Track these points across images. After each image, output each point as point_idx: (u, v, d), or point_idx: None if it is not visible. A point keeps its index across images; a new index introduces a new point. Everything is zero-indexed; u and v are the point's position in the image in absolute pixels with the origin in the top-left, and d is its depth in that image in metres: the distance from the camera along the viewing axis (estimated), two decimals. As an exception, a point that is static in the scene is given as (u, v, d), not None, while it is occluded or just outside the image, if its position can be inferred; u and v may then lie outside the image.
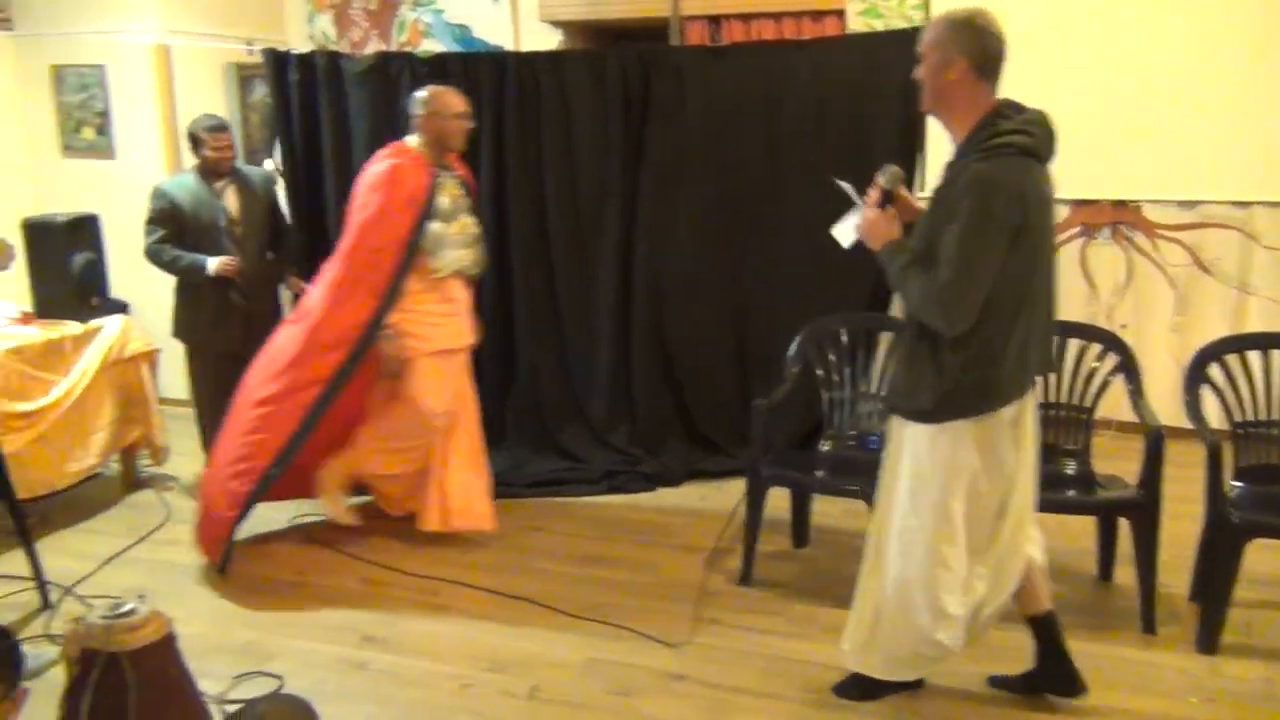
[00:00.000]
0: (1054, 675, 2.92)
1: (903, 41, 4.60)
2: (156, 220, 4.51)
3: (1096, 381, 3.70)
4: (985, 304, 2.49)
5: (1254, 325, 5.08)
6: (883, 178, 2.73)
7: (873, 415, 3.93)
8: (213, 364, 4.62)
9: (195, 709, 2.76)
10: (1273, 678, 3.08)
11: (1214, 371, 3.54)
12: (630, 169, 4.87)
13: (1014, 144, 2.47)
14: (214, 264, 4.45)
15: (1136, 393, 3.59)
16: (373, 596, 3.75)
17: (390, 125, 4.84)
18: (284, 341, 3.92)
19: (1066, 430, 3.72)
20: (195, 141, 4.56)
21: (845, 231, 2.82)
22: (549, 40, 6.08)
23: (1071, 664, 2.89)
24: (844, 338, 3.99)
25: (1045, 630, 2.90)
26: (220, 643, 3.40)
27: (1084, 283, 5.35)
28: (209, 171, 4.57)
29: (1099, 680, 3.01)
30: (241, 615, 3.61)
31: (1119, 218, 5.27)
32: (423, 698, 3.09)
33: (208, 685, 2.98)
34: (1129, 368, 3.63)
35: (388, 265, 3.82)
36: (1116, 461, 3.75)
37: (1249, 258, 5.15)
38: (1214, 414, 3.47)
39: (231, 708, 2.95)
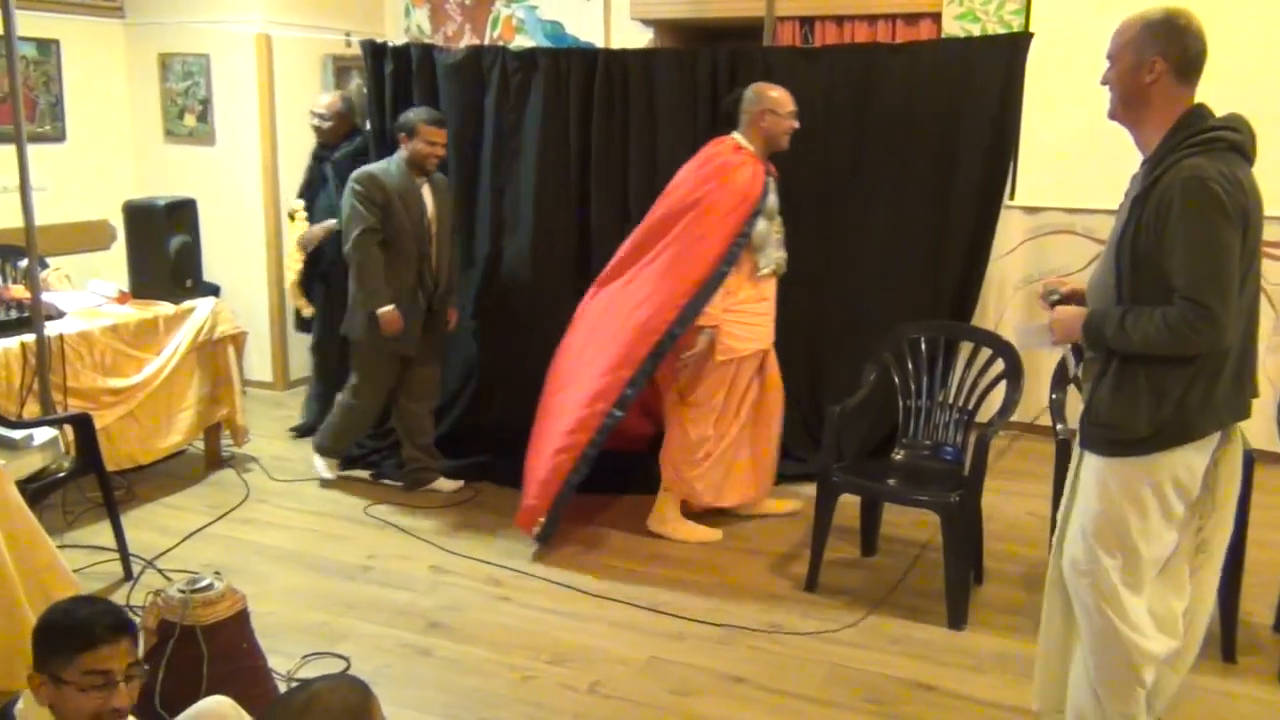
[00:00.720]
0: None
1: (1000, 47, 4.56)
2: (368, 208, 4.31)
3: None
4: None
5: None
6: (1047, 303, 2.67)
7: (949, 426, 3.86)
8: (385, 363, 4.57)
9: (264, 684, 2.84)
10: (1361, 718, 2.96)
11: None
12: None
13: (1225, 139, 2.33)
14: (386, 312, 4.33)
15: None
16: (440, 584, 3.80)
17: (479, 117, 4.92)
18: (611, 318, 4.03)
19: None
20: (410, 132, 4.36)
21: (1035, 339, 2.75)
22: (640, 38, 6.10)
23: None
24: (923, 346, 3.93)
25: None
26: (292, 622, 3.48)
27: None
28: (416, 166, 4.41)
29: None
30: (313, 596, 3.70)
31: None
32: (483, 686, 3.13)
33: (277, 663, 3.07)
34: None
35: (711, 258, 3.88)
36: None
37: (1356, 279, 4.93)
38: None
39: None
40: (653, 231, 4.07)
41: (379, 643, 3.37)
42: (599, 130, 4.83)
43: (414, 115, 4.42)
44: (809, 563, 3.75)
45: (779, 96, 3.99)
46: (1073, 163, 5.17)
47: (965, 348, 3.96)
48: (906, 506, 3.88)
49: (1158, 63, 2.36)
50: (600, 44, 6.09)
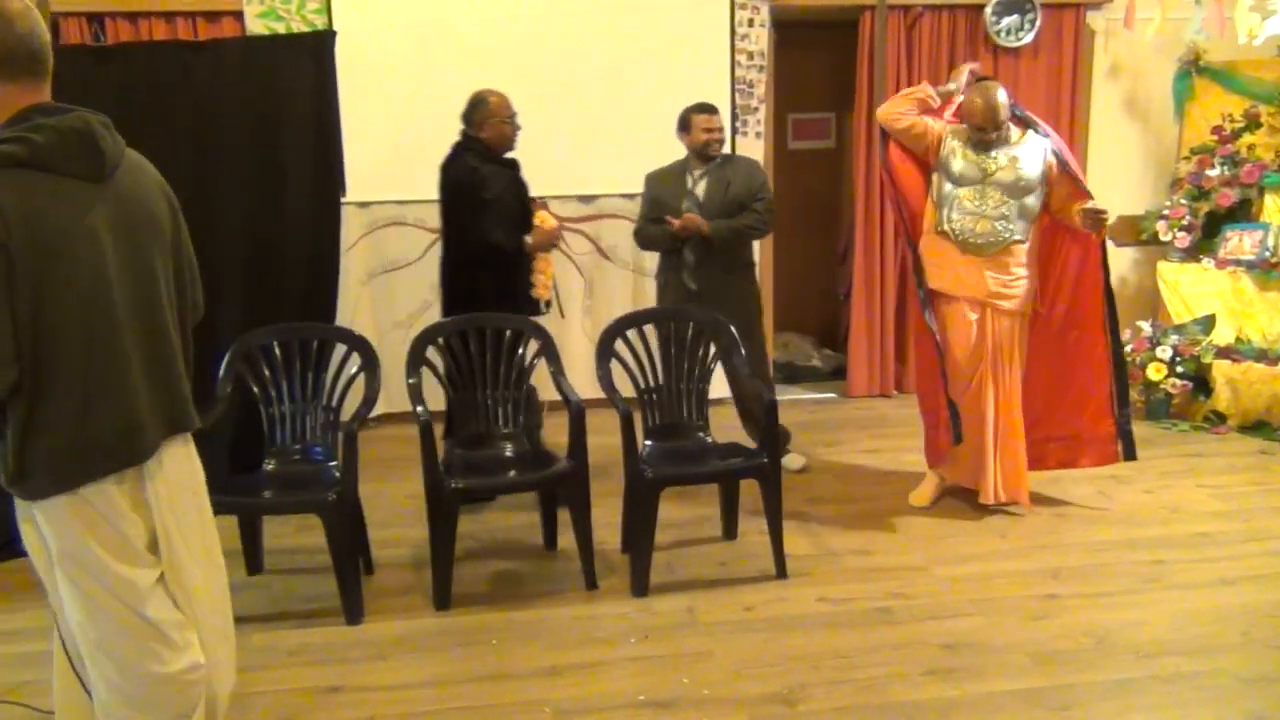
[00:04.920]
0: None
1: (305, 45, 4.59)
2: (643, 204, 4.72)
3: (530, 368, 3.98)
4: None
5: (648, 302, 5.76)
6: None
7: (317, 427, 3.85)
8: None
9: None
10: (693, 605, 3.54)
11: (620, 346, 3.96)
12: None
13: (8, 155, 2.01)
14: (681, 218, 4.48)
15: (559, 373, 3.90)
16: None
17: None
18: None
19: (507, 416, 3.97)
20: (685, 127, 4.56)
21: None
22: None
23: None
24: (277, 350, 3.85)
25: None
26: None
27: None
28: (700, 156, 4.56)
29: (551, 642, 3.27)
30: None
31: (532, 214, 5.68)
32: None
33: None
34: (549, 352, 3.94)
35: (907, 214, 4.37)
36: (560, 439, 4.04)
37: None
38: (625, 383, 3.89)
39: None
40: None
41: None
42: None
43: (687, 110, 4.58)
44: (191, 596, 3.51)
45: (978, 88, 4.20)
46: (397, 155, 5.41)
47: (339, 350, 3.94)
48: (288, 515, 3.80)
49: None
50: None
